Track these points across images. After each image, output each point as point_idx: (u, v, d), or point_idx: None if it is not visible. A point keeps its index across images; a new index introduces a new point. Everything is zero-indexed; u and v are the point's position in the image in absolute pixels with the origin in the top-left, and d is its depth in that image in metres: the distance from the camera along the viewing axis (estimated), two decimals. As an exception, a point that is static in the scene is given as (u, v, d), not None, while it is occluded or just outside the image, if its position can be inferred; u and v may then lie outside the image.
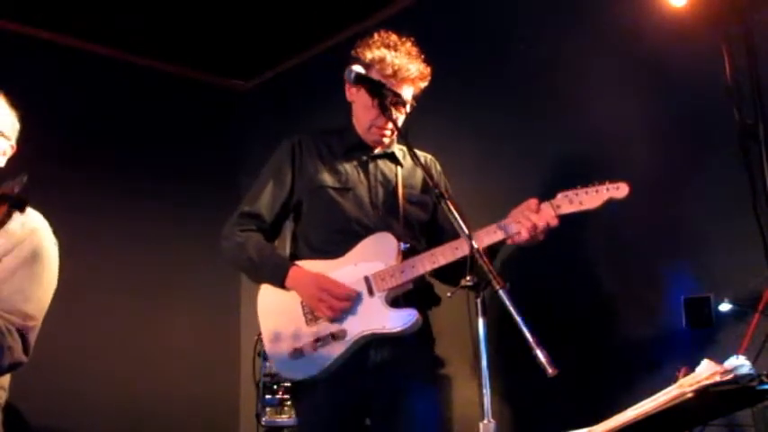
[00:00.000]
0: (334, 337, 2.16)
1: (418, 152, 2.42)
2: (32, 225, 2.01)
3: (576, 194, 2.05)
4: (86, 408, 3.70)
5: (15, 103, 2.15)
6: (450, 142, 3.36)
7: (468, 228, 1.78)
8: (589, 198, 2.04)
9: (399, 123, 2.26)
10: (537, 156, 3.12)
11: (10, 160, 2.12)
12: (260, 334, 2.31)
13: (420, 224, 2.37)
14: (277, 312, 2.26)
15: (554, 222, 2.05)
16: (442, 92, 3.49)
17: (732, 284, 2.45)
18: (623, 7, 2.87)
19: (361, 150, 2.39)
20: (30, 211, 2.05)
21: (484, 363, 1.61)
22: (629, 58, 2.86)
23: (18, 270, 1.93)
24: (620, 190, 2.03)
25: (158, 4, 3.86)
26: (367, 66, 2.24)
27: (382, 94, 2.12)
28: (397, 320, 2.13)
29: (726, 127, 2.54)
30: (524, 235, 2.04)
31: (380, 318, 2.14)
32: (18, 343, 1.89)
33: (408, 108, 2.27)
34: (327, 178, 2.32)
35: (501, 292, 1.60)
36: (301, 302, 2.23)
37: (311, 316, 2.21)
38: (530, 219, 2.04)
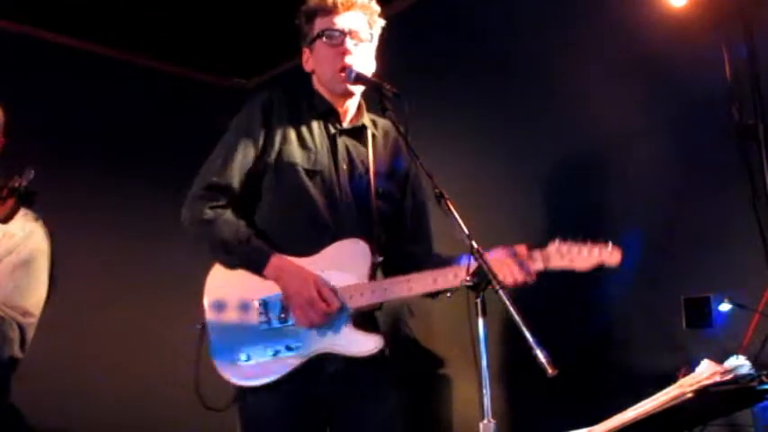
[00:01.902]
0: (289, 348, 2.00)
1: (383, 122, 2.29)
2: (31, 227, 2.04)
3: (569, 251, 1.97)
4: (86, 406, 3.70)
5: (6, 99, 2.14)
6: (450, 141, 3.36)
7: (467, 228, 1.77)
8: (580, 258, 1.97)
9: (360, 57, 2.14)
10: (536, 155, 3.12)
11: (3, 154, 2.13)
12: (203, 324, 2.07)
13: (385, 219, 2.20)
14: (228, 306, 2.06)
15: (531, 280, 1.96)
16: (442, 91, 3.51)
17: (732, 284, 2.45)
18: (623, 7, 2.88)
19: (329, 119, 2.21)
20: (28, 213, 2.08)
21: (484, 363, 1.60)
22: (630, 59, 2.86)
23: (17, 270, 1.96)
24: (613, 257, 1.97)
25: (158, 4, 3.87)
26: (313, 13, 2.16)
27: (382, 92, 2.10)
28: (362, 346, 1.99)
29: (726, 127, 2.54)
30: (509, 282, 1.91)
31: (343, 338, 1.99)
32: (17, 336, 1.92)
33: (367, 36, 2.16)
34: (297, 154, 2.12)
35: (501, 292, 1.60)
36: (259, 300, 2.04)
37: (266, 318, 2.02)
38: (510, 272, 1.94)
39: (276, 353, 2.00)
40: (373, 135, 2.24)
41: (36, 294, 2.00)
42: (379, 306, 2.07)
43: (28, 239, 2.02)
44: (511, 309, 1.56)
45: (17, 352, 1.94)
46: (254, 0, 3.85)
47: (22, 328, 1.94)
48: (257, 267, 2.04)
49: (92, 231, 3.86)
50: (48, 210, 2.14)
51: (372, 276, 2.05)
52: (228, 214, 2.08)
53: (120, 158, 4.19)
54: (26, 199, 1.83)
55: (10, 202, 1.79)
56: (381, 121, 2.30)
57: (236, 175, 2.10)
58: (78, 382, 3.72)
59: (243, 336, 2.02)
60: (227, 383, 2.02)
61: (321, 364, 2.01)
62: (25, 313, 1.95)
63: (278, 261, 2.03)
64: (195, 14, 4.00)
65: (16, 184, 1.80)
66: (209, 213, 2.07)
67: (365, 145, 2.23)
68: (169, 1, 3.85)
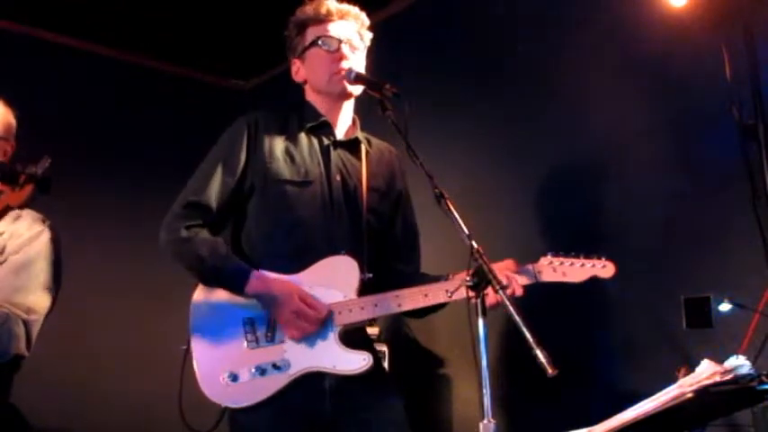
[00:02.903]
0: (276, 367, 1.96)
1: (378, 142, 2.29)
2: (39, 227, 2.05)
3: (561, 263, 1.99)
4: (87, 407, 3.71)
5: (8, 100, 2.15)
6: (449, 142, 3.36)
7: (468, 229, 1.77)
8: (573, 271, 1.99)
9: (356, 65, 2.15)
10: (536, 155, 3.12)
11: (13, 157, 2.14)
12: (188, 343, 2.05)
13: (376, 234, 2.18)
14: (214, 325, 2.03)
15: (519, 293, 1.94)
16: (442, 91, 3.52)
17: (732, 284, 2.45)
18: (623, 8, 2.88)
19: (323, 131, 2.18)
20: (35, 213, 2.08)
21: (484, 363, 1.59)
22: (630, 59, 2.86)
23: (22, 269, 1.97)
24: (606, 269, 1.98)
25: (158, 4, 3.87)
26: (304, 23, 2.17)
27: (382, 92, 2.09)
28: (350, 364, 1.96)
29: (726, 127, 2.54)
30: (491, 301, 1.79)
31: (331, 356, 1.96)
32: (23, 333, 1.92)
33: (360, 45, 2.19)
34: (284, 169, 2.09)
35: (500, 292, 1.60)
36: (244, 319, 2.01)
37: (252, 336, 1.99)
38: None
39: (263, 372, 1.96)
40: (367, 151, 2.23)
41: (40, 294, 2.00)
42: (370, 322, 2.07)
43: (35, 241, 2.02)
44: (511, 309, 1.56)
45: (23, 349, 1.94)
46: (253, 1, 3.85)
47: (27, 325, 1.94)
48: (237, 285, 2.00)
49: (91, 232, 3.86)
50: (46, 209, 2.14)
51: (361, 293, 2.02)
52: (205, 233, 2.06)
53: (118, 159, 4.19)
54: (43, 186, 1.84)
55: (28, 188, 1.81)
56: (376, 141, 2.30)
57: (213, 195, 2.08)
58: (79, 383, 3.72)
59: (229, 355, 1.98)
60: (213, 403, 1.98)
61: (316, 380, 1.98)
62: (29, 310, 1.95)
63: (258, 277, 2.00)
64: (195, 15, 4.01)
65: (32, 171, 1.81)
66: (185, 232, 2.04)
67: (359, 159, 2.21)
68: (169, 1, 3.85)
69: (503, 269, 1.97)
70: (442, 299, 1.96)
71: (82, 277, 3.59)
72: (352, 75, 2.09)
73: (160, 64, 4.49)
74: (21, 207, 2.02)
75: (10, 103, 2.16)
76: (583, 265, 1.99)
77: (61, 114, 3.96)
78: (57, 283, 2.08)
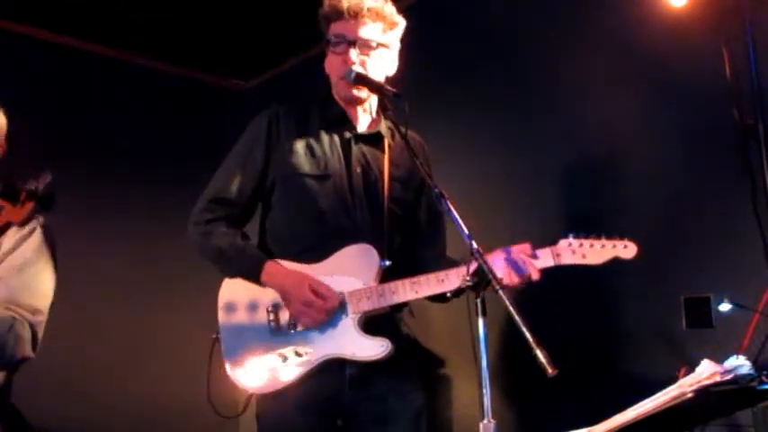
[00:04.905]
0: (298, 354, 2.01)
1: (401, 128, 2.21)
2: (34, 224, 2.04)
3: (581, 245, 1.95)
4: (86, 408, 3.70)
5: (5, 101, 2.14)
6: (450, 141, 3.36)
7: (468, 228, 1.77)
8: (593, 252, 1.94)
9: (369, 66, 2.11)
10: (537, 156, 3.12)
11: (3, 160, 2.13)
12: (218, 333, 2.13)
13: (399, 222, 2.20)
14: (240, 313, 2.09)
15: (536, 277, 1.94)
16: (442, 91, 3.51)
17: (732, 284, 2.45)
18: (623, 7, 2.88)
19: (343, 125, 2.19)
20: None
21: (484, 362, 1.59)
22: (630, 59, 2.86)
23: (23, 267, 1.96)
24: (628, 250, 1.93)
25: (159, 4, 3.87)
26: (326, 18, 2.14)
27: (383, 93, 2.10)
28: (368, 350, 2.00)
29: (726, 127, 2.54)
30: (508, 282, 1.89)
31: (350, 343, 2.01)
32: (29, 335, 1.91)
33: (378, 44, 2.12)
34: (304, 163, 2.12)
35: (501, 292, 1.60)
36: (267, 308, 2.07)
37: (276, 324, 2.05)
38: (514, 271, 1.93)
39: (285, 359, 2.01)
40: (389, 144, 2.22)
41: (43, 292, 2.00)
42: (393, 309, 2.06)
43: (29, 237, 2.01)
44: (511, 309, 1.56)
45: (29, 352, 1.94)
46: (252, 1, 3.85)
47: (33, 327, 1.93)
48: (253, 275, 2.07)
49: (93, 232, 3.86)
50: (48, 210, 2.13)
51: (381, 280, 2.05)
52: (225, 226, 2.13)
53: (118, 159, 4.18)
54: (45, 202, 1.84)
55: (29, 206, 1.81)
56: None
57: (234, 191, 2.15)
58: (80, 384, 3.72)
59: (254, 342, 2.04)
60: (238, 391, 2.05)
61: (337, 368, 2.02)
62: (35, 311, 1.95)
63: (272, 268, 2.05)
64: (194, 15, 4.01)
65: (33, 188, 1.82)
66: (205, 226, 2.13)
67: (382, 151, 2.21)
68: (169, 1, 3.85)
69: (518, 252, 1.98)
70: (455, 285, 1.93)
71: (83, 277, 3.60)
72: (352, 75, 2.07)
73: (160, 64, 4.49)
74: (22, 224, 2.02)
75: (2, 103, 2.14)
76: (603, 246, 1.94)
77: (60, 114, 3.96)
78: (54, 278, 2.08)
